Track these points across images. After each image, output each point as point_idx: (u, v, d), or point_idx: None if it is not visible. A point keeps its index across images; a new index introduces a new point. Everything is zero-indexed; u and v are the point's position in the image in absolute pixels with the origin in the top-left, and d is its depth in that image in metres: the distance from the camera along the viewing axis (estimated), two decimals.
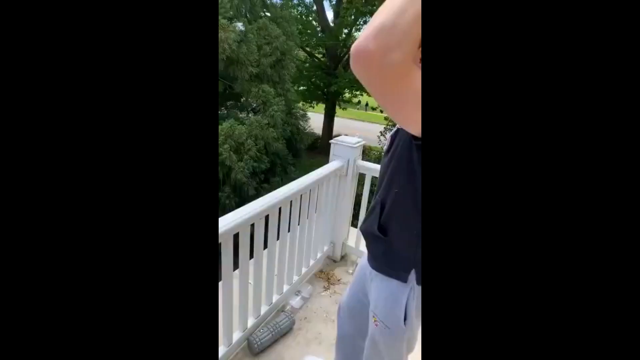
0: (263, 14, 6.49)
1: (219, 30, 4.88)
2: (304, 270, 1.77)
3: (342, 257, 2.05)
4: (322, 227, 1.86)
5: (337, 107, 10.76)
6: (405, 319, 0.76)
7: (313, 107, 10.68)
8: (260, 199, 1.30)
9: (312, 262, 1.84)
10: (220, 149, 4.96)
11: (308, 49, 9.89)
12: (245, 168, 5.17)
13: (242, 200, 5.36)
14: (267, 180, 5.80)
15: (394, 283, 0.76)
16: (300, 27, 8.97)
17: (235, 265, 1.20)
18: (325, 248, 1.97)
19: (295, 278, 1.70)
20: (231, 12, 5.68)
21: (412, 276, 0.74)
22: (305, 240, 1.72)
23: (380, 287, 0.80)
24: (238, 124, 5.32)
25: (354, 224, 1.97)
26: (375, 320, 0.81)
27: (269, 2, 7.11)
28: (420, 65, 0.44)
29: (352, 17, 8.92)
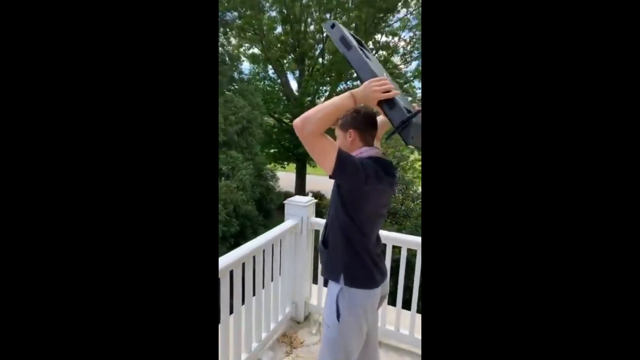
0: (232, 88, 7.09)
1: None
2: (264, 335, 1.71)
3: (306, 318, 2.01)
4: (283, 288, 1.85)
5: (308, 165, 11.26)
6: (338, 316, 0.98)
7: (284, 168, 11.09)
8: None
9: (273, 325, 1.79)
10: None
11: (276, 115, 10.66)
12: None
13: None
14: (237, 244, 5.66)
15: (332, 285, 1.04)
16: (267, 97, 9.79)
17: None
18: (287, 309, 1.94)
19: (255, 345, 1.64)
20: None
21: (342, 279, 1.01)
22: (264, 303, 1.70)
23: (328, 293, 1.06)
24: None
25: (316, 281, 1.98)
26: (322, 326, 1.08)
27: (237, 77, 7.83)
28: (325, 138, 0.88)
29: (313, 87, 9.93)
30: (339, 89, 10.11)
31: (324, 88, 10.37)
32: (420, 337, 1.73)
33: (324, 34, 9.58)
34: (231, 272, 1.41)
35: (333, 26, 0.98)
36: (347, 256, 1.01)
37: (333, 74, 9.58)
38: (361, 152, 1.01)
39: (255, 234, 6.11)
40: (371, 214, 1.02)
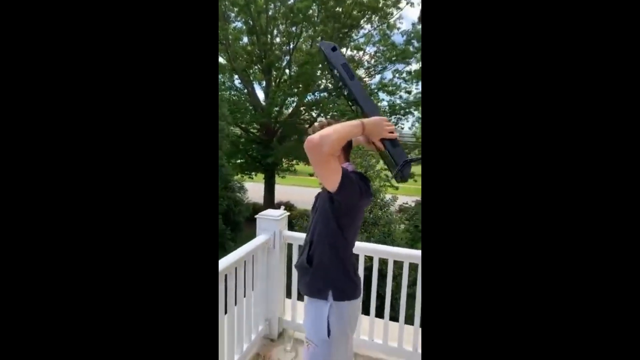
0: None
1: None
2: (236, 357, 1.64)
3: (280, 334, 1.97)
4: (256, 306, 1.80)
5: (276, 175, 11.15)
6: (329, 333, 1.00)
7: (252, 178, 10.87)
8: None
9: (246, 345, 1.72)
10: None
11: (243, 125, 10.48)
12: None
13: None
14: None
15: (319, 303, 1.04)
16: (233, 107, 9.62)
17: None
18: (261, 327, 1.88)
19: None
20: None
21: (330, 295, 1.03)
22: (236, 322, 1.64)
23: (308, 309, 1.08)
24: None
25: (290, 295, 1.96)
26: (307, 344, 1.06)
27: None
28: (335, 157, 0.96)
29: (281, 98, 9.96)
30: (306, 99, 10.23)
31: (292, 99, 10.43)
32: (395, 345, 1.76)
33: (291, 46, 9.71)
34: None
35: (334, 49, 1.03)
36: (336, 271, 1.04)
37: (300, 86, 9.69)
38: (346, 167, 1.06)
39: (223, 249, 5.89)
40: (356, 227, 1.10)
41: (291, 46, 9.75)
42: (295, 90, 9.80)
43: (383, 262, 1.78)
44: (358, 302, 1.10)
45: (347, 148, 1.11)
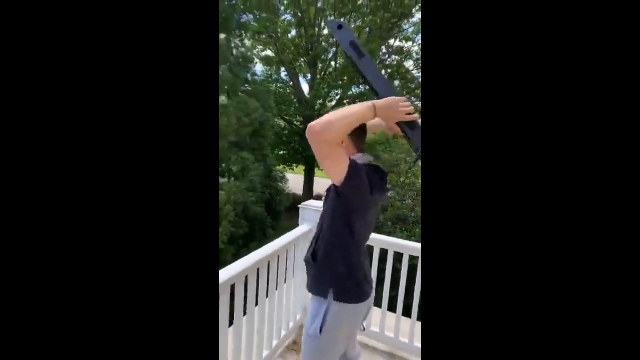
0: (244, 89, 7.14)
1: None
2: (274, 343, 1.68)
3: None
4: (294, 294, 1.83)
5: (316, 168, 11.26)
6: (321, 329, 0.94)
7: (293, 169, 11.10)
8: (228, 267, 1.30)
9: (283, 333, 1.76)
10: None
11: (287, 117, 10.70)
12: (224, 234, 5.09)
13: (220, 267, 5.14)
14: (246, 245, 5.67)
15: (319, 300, 0.97)
16: (279, 99, 9.84)
17: None
18: (298, 316, 1.91)
19: (266, 353, 1.61)
20: None
21: (331, 294, 0.94)
22: (276, 308, 1.67)
23: (311, 305, 1.01)
24: (218, 190, 5.39)
25: None
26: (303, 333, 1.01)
27: (250, 78, 7.88)
28: (342, 145, 0.84)
29: (325, 89, 9.93)
30: (350, 92, 10.10)
31: (336, 91, 10.35)
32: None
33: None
34: (246, 277, 1.39)
35: (340, 27, 0.90)
36: (339, 269, 0.95)
37: (345, 78, 9.56)
38: (355, 158, 0.94)
39: (264, 235, 6.12)
40: (367, 224, 0.98)
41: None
42: (340, 82, 9.69)
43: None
44: (361, 308, 0.98)
45: (358, 136, 0.96)
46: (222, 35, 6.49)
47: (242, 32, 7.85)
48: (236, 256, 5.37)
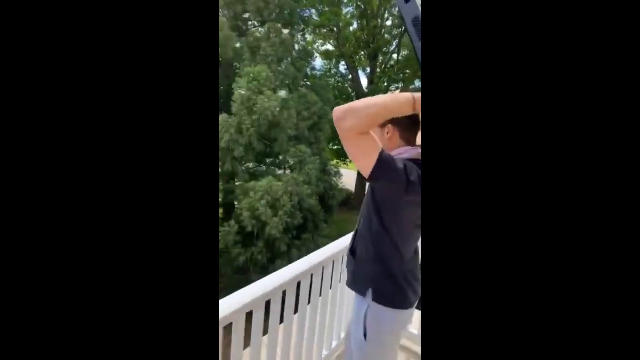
0: (303, 83, 7.27)
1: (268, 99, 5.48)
2: (324, 353, 1.63)
3: None
4: (347, 301, 1.75)
5: None
6: (365, 333, 0.87)
7: (347, 165, 11.04)
8: (276, 273, 1.16)
9: (334, 343, 1.70)
10: (257, 204, 5.18)
11: None
12: (280, 223, 5.28)
13: (273, 256, 5.36)
14: (298, 236, 5.82)
15: (359, 298, 0.91)
16: (337, 93, 9.82)
17: (246, 344, 1.03)
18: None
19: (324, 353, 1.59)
20: (277, 83, 6.43)
21: (369, 294, 0.87)
22: (328, 317, 1.61)
23: (354, 302, 0.95)
24: (275, 181, 5.60)
25: None
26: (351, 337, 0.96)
27: (309, 73, 7.99)
28: (369, 136, 0.74)
29: (385, 83, 9.61)
30: (411, 86, 9.62)
31: (396, 85, 9.95)
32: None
33: (402, 29, 9.17)
34: (299, 283, 1.28)
35: (407, 0, 0.75)
36: (377, 272, 0.86)
37: (408, 71, 9.13)
38: (400, 152, 0.84)
39: (316, 228, 6.21)
40: (409, 226, 0.85)
41: (402, 29, 9.20)
42: (402, 75, 9.28)
43: None
44: (403, 315, 0.87)
45: (406, 127, 0.85)
46: (285, 31, 6.66)
47: (304, 26, 7.96)
48: (289, 246, 5.56)
